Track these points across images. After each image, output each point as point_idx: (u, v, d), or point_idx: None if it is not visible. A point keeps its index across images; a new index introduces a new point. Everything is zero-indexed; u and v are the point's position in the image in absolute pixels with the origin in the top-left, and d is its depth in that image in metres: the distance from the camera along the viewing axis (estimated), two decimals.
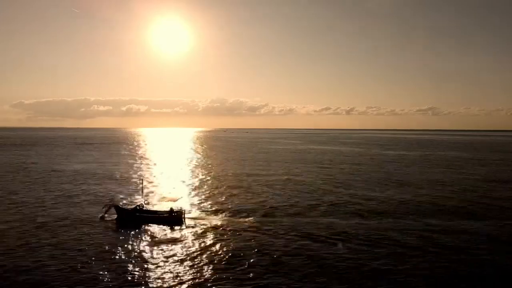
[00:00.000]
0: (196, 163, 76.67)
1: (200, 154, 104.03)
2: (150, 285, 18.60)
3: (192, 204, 36.54)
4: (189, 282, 18.95)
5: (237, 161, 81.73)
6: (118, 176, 54.90)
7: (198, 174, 58.94)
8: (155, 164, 75.20)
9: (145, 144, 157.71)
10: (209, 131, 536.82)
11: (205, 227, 28.67)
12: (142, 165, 71.38)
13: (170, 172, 61.23)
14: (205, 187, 47.01)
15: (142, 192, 37.30)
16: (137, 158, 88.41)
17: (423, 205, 36.85)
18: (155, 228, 28.22)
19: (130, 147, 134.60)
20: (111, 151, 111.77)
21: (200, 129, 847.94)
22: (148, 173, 58.72)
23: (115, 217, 30.94)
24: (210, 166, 71.08)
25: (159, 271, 20.19)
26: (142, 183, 40.20)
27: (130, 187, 46.41)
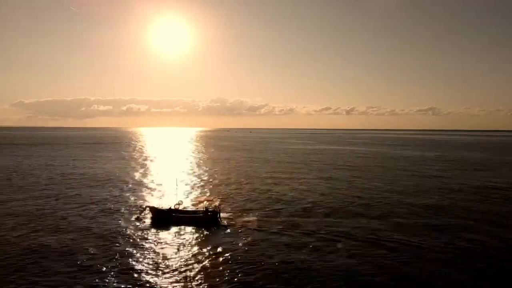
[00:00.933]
0: (217, 164, 75.54)
1: (215, 154, 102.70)
2: (187, 284, 18.31)
3: (227, 205, 35.76)
4: (224, 283, 18.46)
5: (259, 162, 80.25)
6: (146, 178, 53.80)
7: (224, 175, 57.82)
8: (174, 164, 74.26)
9: (153, 144, 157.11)
10: (210, 131, 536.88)
11: (240, 227, 28.04)
12: (161, 167, 70.50)
13: (195, 173, 60.41)
14: (237, 187, 46.00)
15: (177, 192, 36.68)
16: (152, 158, 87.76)
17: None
18: (190, 228, 27.71)
19: (139, 147, 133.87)
20: (123, 151, 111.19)
21: (201, 128, 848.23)
22: (175, 174, 57.45)
23: (150, 217, 30.50)
24: (233, 167, 69.84)
25: (194, 271, 19.87)
26: (176, 184, 39.68)
27: (161, 188, 45.45)
